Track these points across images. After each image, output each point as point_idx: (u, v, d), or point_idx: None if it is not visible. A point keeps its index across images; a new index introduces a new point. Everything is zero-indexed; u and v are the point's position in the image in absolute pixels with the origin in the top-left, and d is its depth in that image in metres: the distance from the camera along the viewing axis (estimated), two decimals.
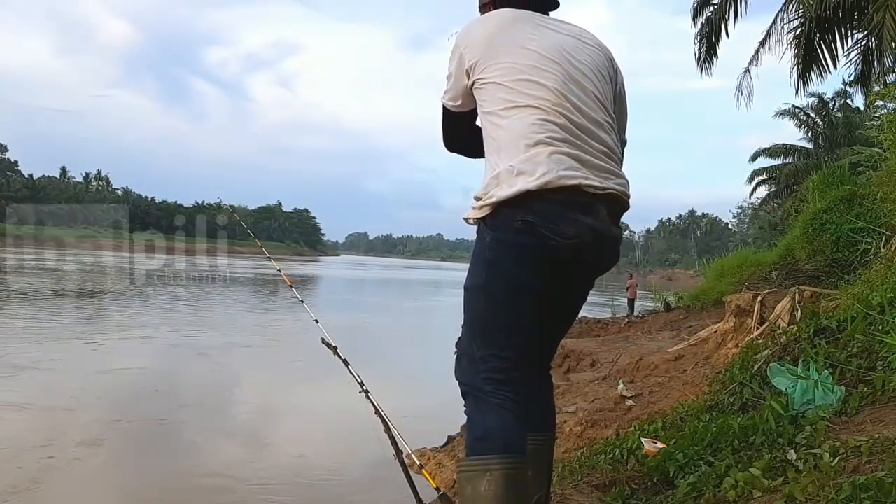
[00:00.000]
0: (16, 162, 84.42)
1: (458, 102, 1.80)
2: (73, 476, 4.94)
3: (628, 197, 1.68)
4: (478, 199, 1.65)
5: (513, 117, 1.61)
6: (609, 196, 1.60)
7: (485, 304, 1.63)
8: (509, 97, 1.63)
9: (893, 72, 9.62)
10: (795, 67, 10.59)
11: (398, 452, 2.16)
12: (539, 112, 1.59)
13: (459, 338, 1.73)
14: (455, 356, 1.73)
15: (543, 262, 1.57)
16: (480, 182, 1.74)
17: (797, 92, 11.03)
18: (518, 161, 1.56)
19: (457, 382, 1.70)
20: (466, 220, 1.70)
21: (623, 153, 1.80)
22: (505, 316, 1.61)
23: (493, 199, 1.58)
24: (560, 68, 1.65)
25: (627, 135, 1.93)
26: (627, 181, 1.68)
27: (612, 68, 1.81)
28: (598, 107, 1.68)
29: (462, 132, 1.88)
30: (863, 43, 10.06)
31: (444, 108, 1.86)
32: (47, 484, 4.72)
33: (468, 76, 1.72)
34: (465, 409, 1.67)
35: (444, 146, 1.97)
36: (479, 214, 1.63)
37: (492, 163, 1.66)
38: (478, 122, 1.79)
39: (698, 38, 11.91)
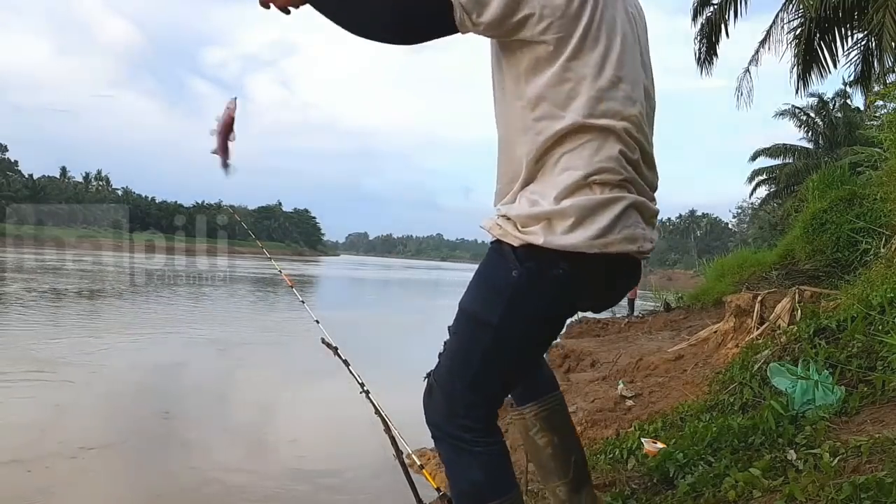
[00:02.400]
0: (16, 162, 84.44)
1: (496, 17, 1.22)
2: (88, 476, 4.93)
3: None
4: (507, 218, 1.33)
5: (584, 137, 1.27)
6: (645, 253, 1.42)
7: (491, 345, 1.38)
8: (588, 106, 1.26)
9: (893, 72, 9.62)
10: (795, 67, 10.63)
11: (398, 452, 2.16)
12: (618, 143, 1.29)
13: (437, 365, 1.49)
14: (426, 385, 1.49)
15: (568, 312, 1.44)
16: (495, 176, 1.42)
17: (797, 92, 11.12)
18: (578, 203, 1.25)
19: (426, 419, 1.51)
20: (484, 227, 1.44)
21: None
22: (510, 363, 1.43)
23: (533, 241, 1.28)
24: (642, 74, 1.38)
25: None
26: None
27: (646, 33, 1.52)
28: (651, 126, 1.45)
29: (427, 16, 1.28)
30: (863, 43, 10.08)
31: None
32: (66, 486, 4.70)
33: (520, 8, 1.22)
34: (438, 452, 1.50)
35: (384, 33, 1.31)
36: (511, 242, 1.31)
37: (532, 177, 1.32)
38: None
39: (698, 37, 11.94)
